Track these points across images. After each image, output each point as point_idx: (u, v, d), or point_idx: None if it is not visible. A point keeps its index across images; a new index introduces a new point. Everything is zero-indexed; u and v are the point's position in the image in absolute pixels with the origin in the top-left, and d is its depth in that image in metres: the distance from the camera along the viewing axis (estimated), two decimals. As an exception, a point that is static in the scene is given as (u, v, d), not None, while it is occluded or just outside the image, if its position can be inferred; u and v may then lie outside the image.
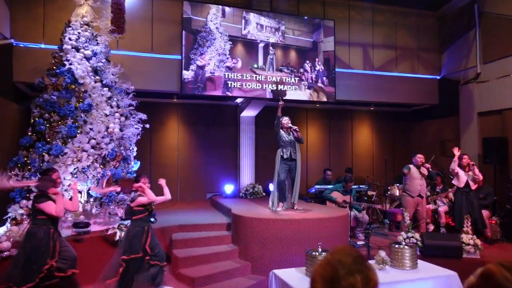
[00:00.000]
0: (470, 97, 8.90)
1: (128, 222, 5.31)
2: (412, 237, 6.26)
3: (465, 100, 9.05)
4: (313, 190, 8.37)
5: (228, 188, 9.07)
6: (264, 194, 9.01)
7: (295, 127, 6.65)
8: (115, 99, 6.21)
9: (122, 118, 6.18)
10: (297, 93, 8.60)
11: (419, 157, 7.03)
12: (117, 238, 5.38)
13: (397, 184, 9.12)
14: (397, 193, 9.02)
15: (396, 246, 4.42)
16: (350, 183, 7.60)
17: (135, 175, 5.91)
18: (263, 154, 9.67)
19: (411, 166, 7.09)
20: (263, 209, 6.68)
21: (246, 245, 5.79)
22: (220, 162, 9.50)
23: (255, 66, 8.34)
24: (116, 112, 6.12)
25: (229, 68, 8.19)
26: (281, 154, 6.51)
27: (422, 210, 7.00)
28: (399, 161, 10.55)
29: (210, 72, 8.02)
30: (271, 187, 9.45)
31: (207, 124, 9.55)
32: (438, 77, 9.89)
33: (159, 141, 9.23)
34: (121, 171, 5.85)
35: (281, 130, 6.61)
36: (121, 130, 6.08)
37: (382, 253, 4.34)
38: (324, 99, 8.76)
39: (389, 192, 9.05)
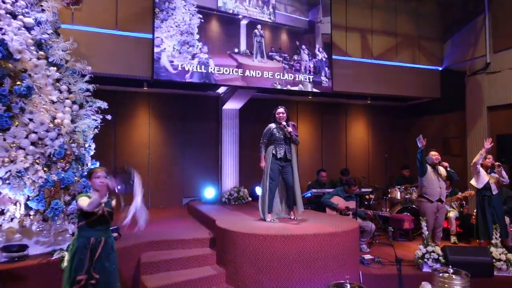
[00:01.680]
0: (478, 89, 8.03)
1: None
2: (433, 251, 5.24)
3: (472, 93, 8.18)
4: (309, 194, 7.24)
5: (209, 192, 7.80)
6: (250, 199, 7.80)
7: (292, 123, 5.49)
8: (65, 82, 4.81)
9: (75, 107, 4.79)
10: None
11: (433, 155, 6.00)
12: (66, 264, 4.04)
13: (398, 186, 8.15)
14: (398, 196, 8.04)
15: (441, 275, 3.33)
16: (354, 186, 6.51)
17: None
18: (249, 153, 8.43)
19: (427, 165, 6.06)
20: (254, 220, 5.46)
21: (237, 268, 4.56)
22: (199, 162, 8.21)
23: (236, 50, 7.02)
24: (67, 98, 4.73)
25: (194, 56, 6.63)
26: (273, 152, 5.34)
27: (441, 217, 5.98)
28: (396, 161, 9.60)
29: (169, 60, 6.46)
30: (258, 190, 8.28)
31: (184, 118, 8.22)
32: (440, 68, 9.00)
33: (125, 138, 7.82)
34: (73, 175, 4.47)
35: (272, 125, 5.43)
36: (73, 121, 4.70)
37: (427, 286, 3.24)
38: (319, 90, 7.63)
39: (389, 195, 8.06)
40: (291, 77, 7.35)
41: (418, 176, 6.04)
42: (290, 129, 5.29)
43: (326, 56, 7.67)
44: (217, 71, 6.76)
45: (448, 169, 5.91)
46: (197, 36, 6.68)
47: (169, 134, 8.12)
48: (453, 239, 6.94)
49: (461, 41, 8.55)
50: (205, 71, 6.68)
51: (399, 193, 8.10)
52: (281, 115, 5.40)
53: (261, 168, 5.49)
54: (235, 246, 4.60)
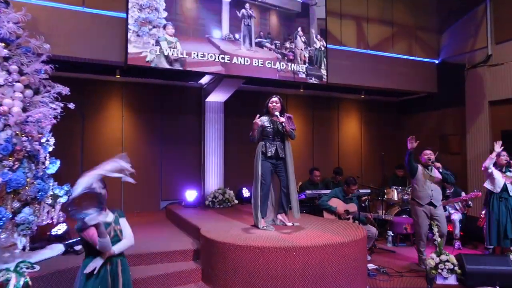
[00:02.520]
0: (479, 83, 7.56)
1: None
2: (447, 261, 4.63)
3: (472, 87, 7.70)
4: (303, 196, 6.54)
5: (190, 195, 6.97)
6: (236, 201, 7.03)
7: (288, 115, 4.77)
8: (16, 61, 3.91)
9: (28, 92, 3.90)
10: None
11: (425, 154, 5.41)
12: (12, 288, 3.18)
13: (395, 187, 7.58)
14: (395, 197, 7.47)
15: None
16: (354, 186, 5.84)
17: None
18: (235, 151, 7.68)
19: (419, 165, 5.47)
20: (245, 227, 4.71)
21: (227, 287, 3.79)
22: (179, 161, 7.36)
23: (217, 35, 6.14)
24: (17, 81, 3.83)
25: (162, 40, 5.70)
26: (263, 149, 4.62)
27: (442, 223, 5.33)
28: (389, 159, 9.06)
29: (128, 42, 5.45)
30: (246, 192, 7.53)
31: (162, 111, 7.35)
32: (437, 61, 8.50)
33: (95, 133, 6.89)
34: (24, 176, 3.59)
35: (263, 118, 4.70)
36: (24, 110, 3.81)
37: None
38: (312, 81, 6.93)
39: (385, 197, 7.47)
40: (283, 66, 6.61)
41: (410, 178, 5.47)
42: (282, 119, 4.54)
43: (324, 44, 6.99)
44: (194, 57, 5.92)
45: (441, 170, 5.29)
46: (164, 14, 5.74)
47: (145, 129, 7.23)
48: (457, 244, 6.41)
49: (459, 32, 8.07)
50: (177, 56, 5.83)
51: (396, 194, 7.54)
52: (274, 104, 4.65)
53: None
54: (226, 260, 3.83)
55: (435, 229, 4.88)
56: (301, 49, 6.77)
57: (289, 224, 4.74)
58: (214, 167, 7.20)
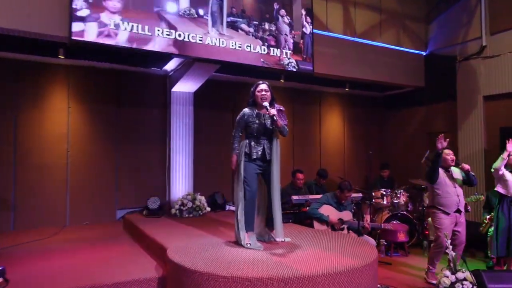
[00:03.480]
0: (473, 76, 6.99)
1: None
2: (465, 279, 3.88)
3: (465, 80, 7.13)
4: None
5: (153, 202, 5.85)
6: (208, 209, 5.99)
7: (279, 107, 3.83)
8: None
9: None
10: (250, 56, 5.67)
11: (448, 154, 4.65)
12: None
13: (383, 190, 6.85)
14: (384, 200, 6.74)
15: None
16: (348, 192, 5.01)
17: None
18: (207, 150, 6.65)
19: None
20: (224, 245, 3.72)
21: (205, 336, 2.78)
22: (139, 162, 6.21)
23: (171, 10, 4.98)
24: None
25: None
26: (246, 150, 3.68)
27: (462, 232, 4.62)
28: (373, 159, 8.36)
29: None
30: (220, 198, 6.52)
31: (119, 103, 6.16)
32: (424, 53, 7.89)
33: (33, 128, 5.59)
34: None
35: (247, 111, 3.77)
36: None
37: None
38: (297, 69, 6.02)
39: (373, 200, 6.71)
40: (264, 50, 5.66)
41: (428, 183, 4.69)
42: (273, 111, 3.61)
43: (310, 26, 6.09)
44: (143, 32, 4.84)
45: (471, 172, 4.61)
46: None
47: (98, 123, 6.01)
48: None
49: (450, 22, 7.49)
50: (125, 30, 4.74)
51: (385, 197, 6.80)
52: (264, 93, 3.70)
53: (232, 170, 3.77)
54: (204, 297, 2.82)
55: (448, 241, 4.13)
56: (286, 34, 5.84)
57: (279, 239, 3.80)
58: (182, 168, 6.13)
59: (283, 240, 3.78)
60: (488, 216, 5.56)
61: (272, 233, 3.86)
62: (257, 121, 3.68)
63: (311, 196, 5.74)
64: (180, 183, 6.10)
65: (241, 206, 3.66)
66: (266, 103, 3.65)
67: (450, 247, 4.10)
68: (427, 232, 6.29)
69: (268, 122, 3.68)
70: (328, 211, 4.95)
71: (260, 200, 3.85)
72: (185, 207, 5.72)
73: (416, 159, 8.02)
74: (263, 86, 3.73)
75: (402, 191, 6.80)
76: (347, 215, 4.99)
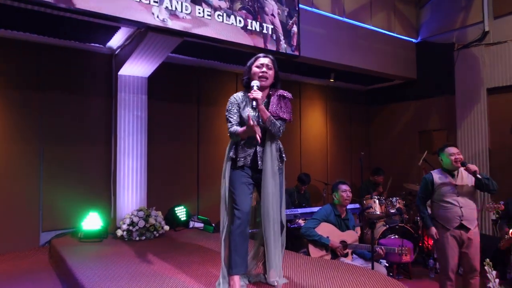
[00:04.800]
0: (474, 66, 6.13)
1: None
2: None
3: (464, 71, 6.26)
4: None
5: (92, 221, 4.38)
6: (166, 228, 4.60)
7: (281, 92, 2.58)
8: None
9: None
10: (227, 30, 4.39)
11: (452, 153, 3.56)
12: None
13: (376, 197, 5.81)
14: (377, 210, 5.69)
15: None
16: (341, 190, 3.81)
17: None
18: (166, 152, 5.28)
19: (434, 172, 3.66)
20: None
21: None
22: (73, 167, 4.68)
23: None
24: None
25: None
26: (231, 154, 2.53)
27: (472, 253, 3.55)
28: (356, 159, 7.36)
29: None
30: (181, 212, 5.13)
31: (46, 89, 4.58)
32: (415, 41, 6.99)
33: None
34: None
35: (239, 96, 2.63)
36: None
37: None
38: (277, 49, 4.79)
39: (367, 211, 5.65)
40: (240, 22, 4.38)
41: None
42: (256, 94, 2.35)
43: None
44: None
45: (478, 175, 3.49)
46: None
47: (16, 117, 4.42)
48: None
49: (445, 6, 6.62)
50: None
51: (378, 205, 5.75)
52: (264, 70, 2.50)
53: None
54: None
55: (488, 269, 3.05)
56: (273, 14, 4.62)
57: (274, 283, 2.55)
58: (132, 175, 4.71)
59: (275, 283, 2.53)
60: (510, 231, 4.64)
61: (263, 270, 2.62)
62: (251, 113, 2.44)
63: (299, 209, 4.53)
64: (129, 195, 4.68)
65: (226, 236, 2.42)
66: (256, 83, 2.40)
67: (491, 276, 3.05)
68: (430, 248, 5.33)
69: (256, 114, 2.47)
70: (328, 230, 3.76)
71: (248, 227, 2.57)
72: (135, 226, 4.31)
73: (406, 160, 7.13)
74: (264, 60, 2.53)
75: (397, 198, 5.79)
76: (351, 236, 3.83)
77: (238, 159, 2.47)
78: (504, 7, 5.87)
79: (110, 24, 3.95)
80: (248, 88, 2.50)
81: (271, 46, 4.69)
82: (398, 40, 6.70)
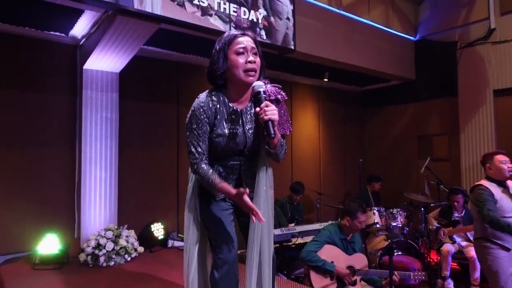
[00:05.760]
0: (479, 66, 5.69)
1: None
2: None
3: (468, 71, 5.81)
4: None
5: (49, 243, 3.65)
6: (140, 249, 3.91)
7: (272, 87, 1.81)
8: None
9: None
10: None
11: (505, 160, 3.06)
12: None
13: (376, 208, 5.28)
14: (377, 222, 5.17)
15: None
16: (362, 216, 3.23)
17: None
18: (140, 159, 4.59)
19: (486, 182, 3.13)
20: None
21: None
22: (29, 177, 3.93)
23: None
24: None
25: None
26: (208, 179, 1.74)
27: None
28: (352, 166, 6.84)
29: None
30: (157, 229, 4.43)
31: (-5, 85, 3.85)
32: (414, 39, 6.52)
33: None
34: None
35: (202, 99, 1.77)
36: None
37: None
38: (269, 41, 4.19)
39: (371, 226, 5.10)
40: (224, 8, 3.76)
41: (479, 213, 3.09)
42: (270, 111, 1.59)
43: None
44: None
45: None
46: None
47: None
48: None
49: (446, 1, 6.17)
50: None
51: (378, 218, 5.23)
52: (251, 60, 1.68)
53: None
54: None
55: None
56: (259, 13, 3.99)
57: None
58: (100, 188, 4.00)
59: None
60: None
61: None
62: (228, 130, 1.74)
63: (298, 227, 3.92)
64: (97, 211, 3.97)
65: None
66: (259, 85, 1.67)
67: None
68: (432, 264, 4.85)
69: (251, 127, 1.77)
70: (333, 254, 3.17)
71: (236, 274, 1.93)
72: (102, 250, 3.60)
73: (404, 167, 6.64)
74: (245, 40, 1.72)
75: (399, 210, 5.28)
76: (359, 260, 3.25)
77: (215, 190, 1.72)
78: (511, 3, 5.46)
79: (72, 6, 3.26)
80: (219, 87, 1.74)
81: (262, 38, 4.08)
82: (396, 37, 6.21)
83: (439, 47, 6.18)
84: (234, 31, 1.77)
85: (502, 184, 3.04)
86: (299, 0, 4.67)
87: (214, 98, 1.72)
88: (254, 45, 1.72)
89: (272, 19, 4.18)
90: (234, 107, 1.74)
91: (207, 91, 1.77)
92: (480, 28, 5.71)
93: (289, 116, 1.87)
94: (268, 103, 1.60)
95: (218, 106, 1.71)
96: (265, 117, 1.55)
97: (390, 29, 6.12)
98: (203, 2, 3.57)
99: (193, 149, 1.68)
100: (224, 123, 1.69)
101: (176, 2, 3.38)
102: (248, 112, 1.75)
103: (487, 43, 5.63)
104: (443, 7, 6.22)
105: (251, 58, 1.68)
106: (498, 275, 2.95)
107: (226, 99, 1.74)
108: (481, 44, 5.68)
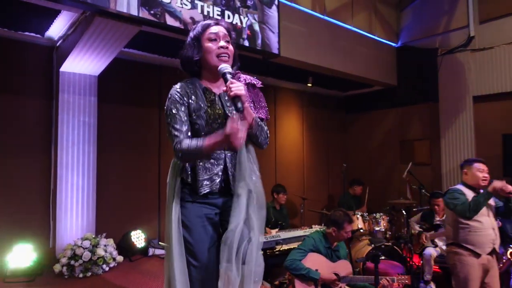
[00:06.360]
0: (459, 73, 5.79)
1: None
2: None
3: (448, 77, 5.90)
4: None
5: (22, 254, 3.48)
6: (119, 259, 3.77)
7: (249, 79, 1.85)
8: None
9: None
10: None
11: (483, 169, 3.10)
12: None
13: (359, 213, 5.28)
14: (360, 226, 5.16)
15: None
16: (348, 226, 3.20)
17: None
18: (119, 166, 4.44)
19: (460, 186, 3.14)
20: None
21: None
22: (2, 184, 3.75)
23: None
24: None
25: None
26: (184, 176, 1.69)
27: (495, 282, 3.09)
28: (334, 171, 6.87)
29: None
30: (137, 238, 4.29)
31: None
32: (395, 45, 6.59)
33: None
34: None
35: (180, 87, 1.74)
36: None
37: None
38: (253, 46, 4.14)
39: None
40: (209, 7, 3.69)
41: (460, 217, 3.09)
42: (237, 88, 1.53)
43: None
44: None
45: None
46: None
47: None
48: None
49: (427, 9, 6.27)
50: None
51: (361, 222, 5.22)
52: (222, 45, 1.69)
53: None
54: None
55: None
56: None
57: None
58: (77, 195, 3.85)
59: None
60: (510, 252, 4.22)
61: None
62: (207, 109, 1.69)
63: (282, 234, 3.87)
64: (74, 219, 3.81)
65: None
66: (225, 66, 1.65)
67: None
68: (415, 267, 4.86)
69: (232, 109, 1.68)
70: (317, 262, 3.11)
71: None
72: (78, 260, 3.45)
73: (386, 172, 6.69)
74: (218, 28, 1.72)
75: (382, 214, 5.29)
76: (344, 267, 3.21)
77: (198, 182, 1.64)
78: (490, 11, 5.57)
79: (48, 6, 3.12)
80: (193, 74, 1.76)
81: (246, 41, 4.02)
82: (378, 43, 6.26)
83: (420, 54, 6.26)
84: (208, 20, 1.78)
85: (476, 191, 3.05)
86: (284, 5, 4.64)
87: (190, 85, 1.72)
88: (226, 33, 1.73)
89: (257, 25, 4.13)
90: (212, 90, 1.73)
91: (183, 81, 1.76)
92: (460, 35, 5.82)
93: (265, 103, 1.86)
94: (234, 80, 1.59)
95: (195, 90, 1.71)
96: (231, 93, 1.53)
97: (373, 35, 6.17)
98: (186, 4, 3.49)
99: (175, 132, 1.62)
100: (202, 105, 1.68)
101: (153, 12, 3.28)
102: (219, 95, 1.74)
103: (467, 51, 5.74)
104: (424, 15, 6.31)
105: (223, 43, 1.69)
106: (467, 282, 2.95)
107: (202, 84, 1.74)
108: (461, 51, 5.79)
